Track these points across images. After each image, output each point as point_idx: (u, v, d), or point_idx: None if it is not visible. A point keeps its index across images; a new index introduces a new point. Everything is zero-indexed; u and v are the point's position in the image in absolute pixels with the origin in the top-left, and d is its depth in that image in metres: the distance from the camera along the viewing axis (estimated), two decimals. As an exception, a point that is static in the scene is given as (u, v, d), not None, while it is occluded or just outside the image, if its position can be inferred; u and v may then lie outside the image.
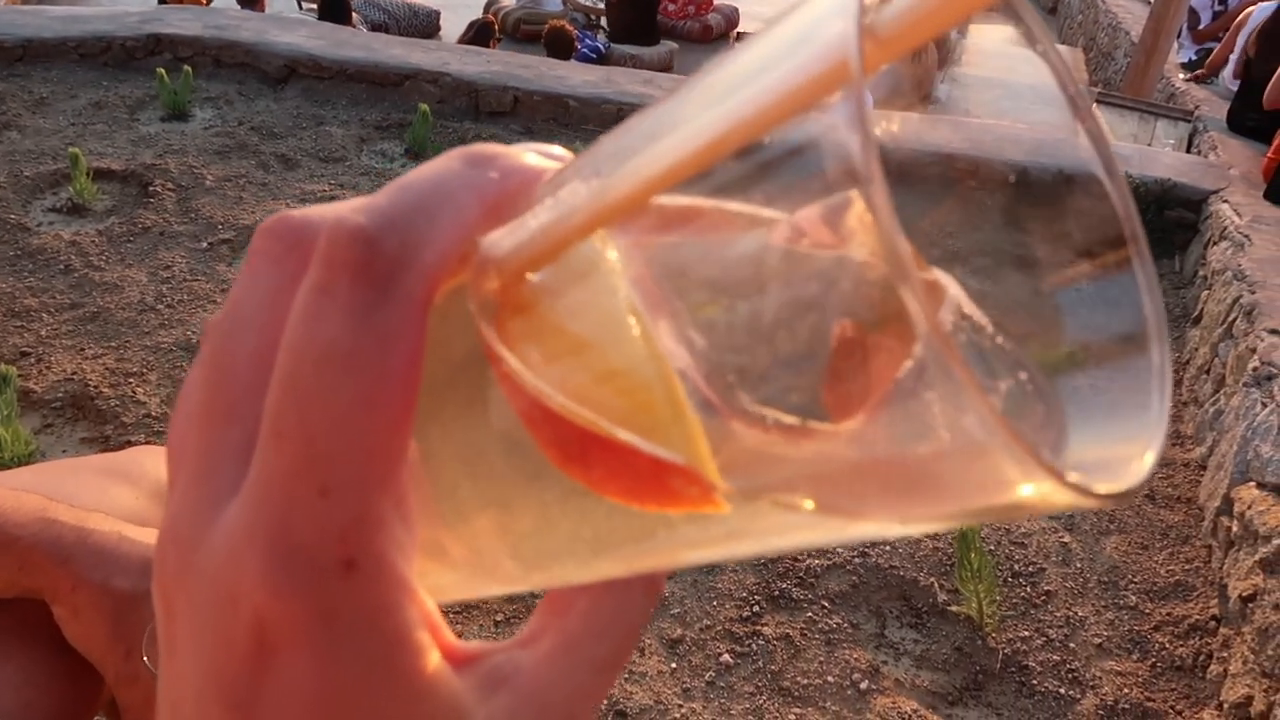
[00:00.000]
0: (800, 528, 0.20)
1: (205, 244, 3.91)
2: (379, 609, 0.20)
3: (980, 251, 0.23)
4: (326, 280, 0.20)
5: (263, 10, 7.16)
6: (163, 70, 4.82)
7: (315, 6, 7.62)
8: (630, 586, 0.25)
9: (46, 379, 3.13)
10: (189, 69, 4.95)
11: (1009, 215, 0.23)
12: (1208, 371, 3.47)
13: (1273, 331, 3.11)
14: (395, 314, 0.20)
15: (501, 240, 0.21)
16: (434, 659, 0.21)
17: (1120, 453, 0.19)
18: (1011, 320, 0.22)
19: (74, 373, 3.15)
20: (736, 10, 9.14)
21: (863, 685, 2.43)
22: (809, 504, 0.18)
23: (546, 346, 0.20)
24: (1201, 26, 7.82)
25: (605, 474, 0.20)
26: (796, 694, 2.40)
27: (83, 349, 3.28)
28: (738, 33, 8.97)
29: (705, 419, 0.19)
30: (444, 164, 0.22)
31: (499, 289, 0.21)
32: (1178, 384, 3.68)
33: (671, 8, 8.88)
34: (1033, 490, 0.16)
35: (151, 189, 4.21)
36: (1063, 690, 2.47)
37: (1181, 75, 7.06)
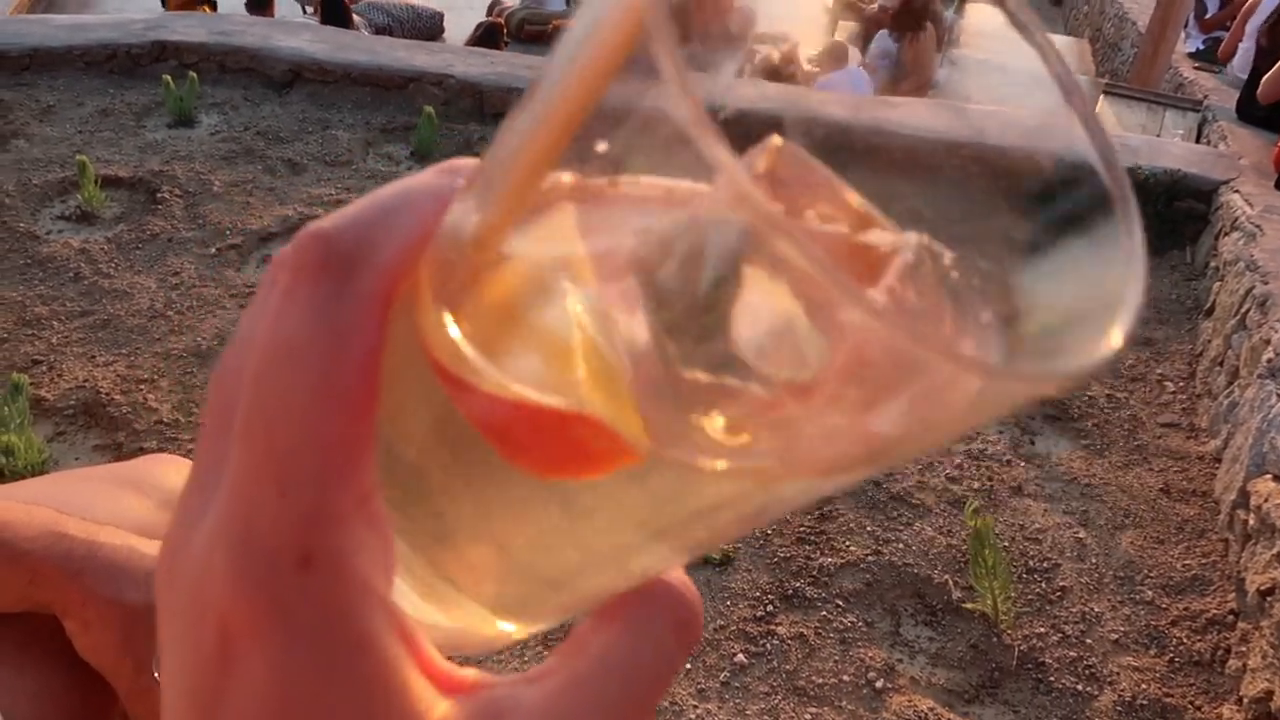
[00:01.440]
0: (722, 481, 0.20)
1: (214, 249, 3.92)
2: (337, 608, 0.20)
3: (974, 233, 0.23)
4: (291, 282, 0.21)
5: (272, 16, 7.17)
6: (168, 77, 4.83)
7: (312, 9, 7.64)
8: (652, 625, 0.23)
9: (58, 387, 3.14)
10: (194, 75, 4.96)
11: (999, 196, 0.23)
12: (1221, 364, 3.44)
13: (1287, 322, 3.09)
14: (351, 307, 0.21)
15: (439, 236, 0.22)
16: (404, 670, 0.21)
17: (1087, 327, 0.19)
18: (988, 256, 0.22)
19: (85, 380, 3.16)
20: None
21: (878, 684, 2.42)
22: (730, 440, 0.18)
23: (479, 324, 0.20)
24: (1208, 15, 7.77)
25: (521, 444, 0.20)
26: (812, 693, 2.39)
27: (94, 356, 3.29)
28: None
29: (623, 376, 0.19)
30: (418, 175, 0.23)
31: (428, 275, 0.21)
32: (1190, 377, 3.66)
33: (675, 6, 8.87)
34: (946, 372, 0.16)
35: (159, 195, 4.22)
36: (1080, 687, 2.45)
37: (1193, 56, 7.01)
